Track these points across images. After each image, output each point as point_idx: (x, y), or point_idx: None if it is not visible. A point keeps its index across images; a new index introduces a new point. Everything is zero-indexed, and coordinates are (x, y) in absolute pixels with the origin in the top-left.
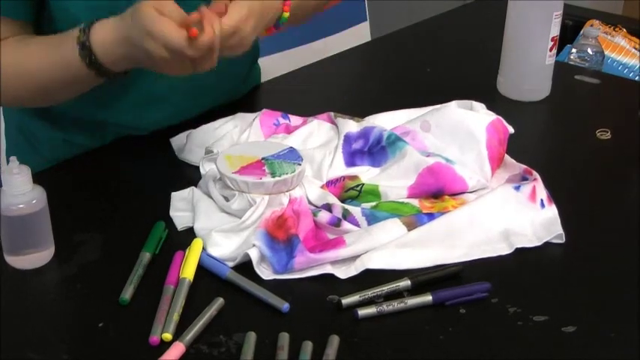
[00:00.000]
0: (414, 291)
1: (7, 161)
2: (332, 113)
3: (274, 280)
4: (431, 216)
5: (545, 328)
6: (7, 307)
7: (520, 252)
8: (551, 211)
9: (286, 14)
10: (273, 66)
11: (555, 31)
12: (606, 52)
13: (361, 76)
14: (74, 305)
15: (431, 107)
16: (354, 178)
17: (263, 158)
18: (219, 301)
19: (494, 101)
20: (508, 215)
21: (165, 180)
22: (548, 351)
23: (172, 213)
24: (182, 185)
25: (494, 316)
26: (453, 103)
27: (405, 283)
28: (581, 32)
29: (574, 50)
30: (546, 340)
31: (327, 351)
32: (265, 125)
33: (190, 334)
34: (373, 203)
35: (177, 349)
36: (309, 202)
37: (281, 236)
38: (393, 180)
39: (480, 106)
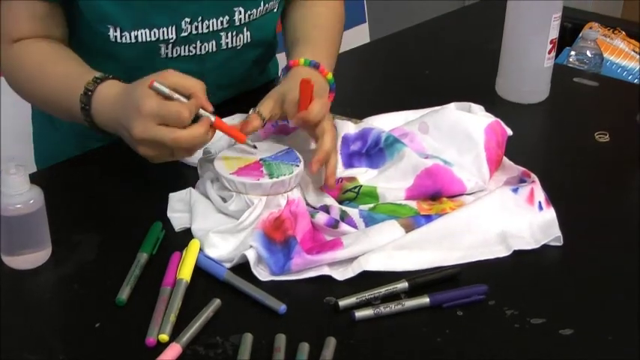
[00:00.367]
0: (411, 293)
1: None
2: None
3: (271, 281)
4: (429, 218)
5: (542, 330)
6: (3, 307)
7: (518, 254)
8: (549, 214)
9: (330, 76)
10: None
11: (554, 33)
12: (605, 55)
13: (360, 77)
14: (71, 305)
15: (429, 109)
16: (351, 179)
17: (261, 159)
18: (216, 303)
19: (493, 103)
20: (506, 217)
21: (162, 181)
22: (546, 354)
23: (170, 214)
24: (179, 186)
25: (491, 318)
26: (452, 105)
27: (403, 285)
28: (580, 35)
29: (573, 53)
30: (544, 342)
31: (324, 353)
32: None
33: (187, 335)
34: (371, 205)
35: (174, 350)
36: (307, 204)
37: (278, 237)
38: (391, 182)
39: (478, 108)
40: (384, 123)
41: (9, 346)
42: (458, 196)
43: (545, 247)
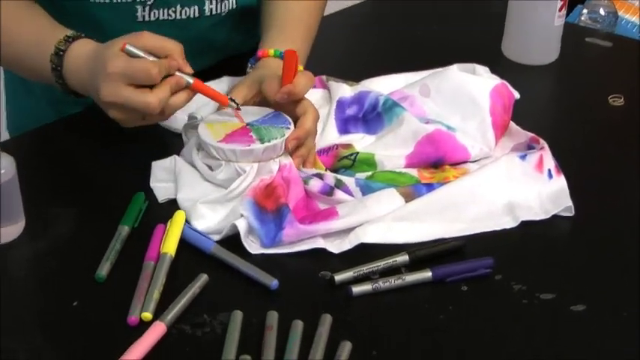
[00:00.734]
0: (412, 267)
1: None
2: (324, 77)
3: (262, 255)
4: (430, 187)
5: (552, 306)
6: None
7: (526, 226)
8: (560, 182)
9: (301, 69)
10: None
11: None
12: (620, 13)
13: (356, 37)
14: (47, 283)
15: (431, 71)
16: (347, 146)
17: (248, 124)
18: (203, 278)
19: (499, 65)
20: (513, 186)
21: (145, 148)
22: (556, 331)
23: (153, 183)
24: (163, 154)
25: (497, 293)
26: (455, 67)
27: (403, 258)
28: None
29: (585, 11)
30: (553, 319)
31: (319, 331)
32: None
33: (172, 313)
34: (368, 173)
35: (158, 329)
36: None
37: (270, 206)
38: (390, 148)
39: (483, 70)
40: (382, 86)
41: None
42: (461, 164)
43: (555, 217)
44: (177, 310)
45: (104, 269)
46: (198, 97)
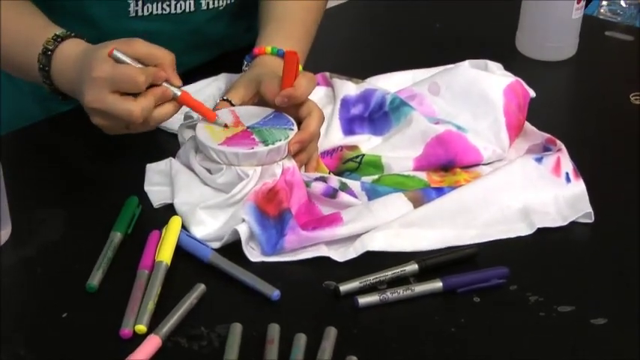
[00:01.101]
0: (421, 276)
1: None
2: (327, 74)
3: (263, 263)
4: (440, 191)
5: (571, 319)
6: None
7: (542, 232)
8: (578, 187)
9: (301, 69)
10: None
11: None
12: None
13: (362, 31)
14: (34, 292)
15: (441, 67)
16: (352, 148)
17: (249, 127)
18: (201, 288)
19: (513, 61)
20: (528, 191)
21: (139, 150)
22: (575, 346)
23: (147, 187)
24: (158, 156)
25: (512, 305)
26: (466, 63)
27: (412, 267)
28: None
29: (605, 2)
30: (573, 333)
31: (323, 345)
32: None
33: (167, 325)
34: (375, 176)
35: (153, 342)
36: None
37: (272, 211)
38: (398, 150)
39: (496, 67)
40: (389, 83)
41: None
42: (473, 167)
43: (573, 224)
44: (172, 322)
45: (95, 278)
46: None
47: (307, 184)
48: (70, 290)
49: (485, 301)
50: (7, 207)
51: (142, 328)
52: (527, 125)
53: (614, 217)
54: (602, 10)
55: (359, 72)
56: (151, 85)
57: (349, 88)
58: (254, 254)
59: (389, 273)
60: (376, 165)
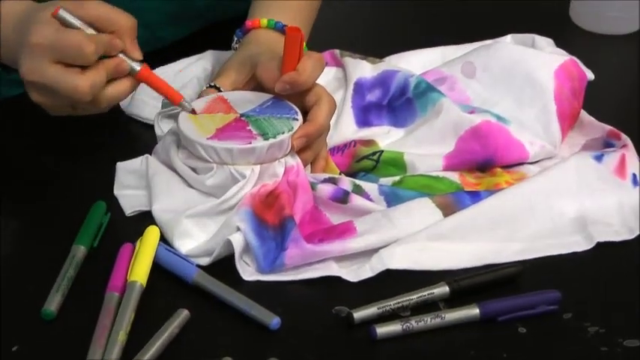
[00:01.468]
0: (453, 301)
1: None
2: (337, 51)
3: (259, 283)
4: (476, 196)
5: (639, 356)
6: None
7: (603, 248)
8: None
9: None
10: None
11: None
12: None
13: (378, 3)
14: None
15: (476, 44)
16: (368, 143)
17: (242, 115)
18: (183, 314)
19: (567, 35)
20: (586, 196)
21: (107, 145)
22: None
23: (117, 191)
24: (131, 152)
25: (566, 337)
26: (508, 38)
27: (442, 289)
28: None
29: None
30: None
31: None
32: None
33: None
34: (396, 178)
35: None
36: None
37: (271, 219)
38: (424, 146)
39: (545, 42)
40: (412, 63)
41: None
42: (517, 166)
43: None
44: (150, 356)
45: (53, 303)
46: (176, 77)
47: (313, 187)
48: (22, 318)
49: (532, 333)
50: None
51: None
52: (584, 115)
53: None
54: None
55: (376, 49)
56: (105, 57)
57: (364, 69)
58: (248, 271)
59: (413, 297)
60: (397, 164)
